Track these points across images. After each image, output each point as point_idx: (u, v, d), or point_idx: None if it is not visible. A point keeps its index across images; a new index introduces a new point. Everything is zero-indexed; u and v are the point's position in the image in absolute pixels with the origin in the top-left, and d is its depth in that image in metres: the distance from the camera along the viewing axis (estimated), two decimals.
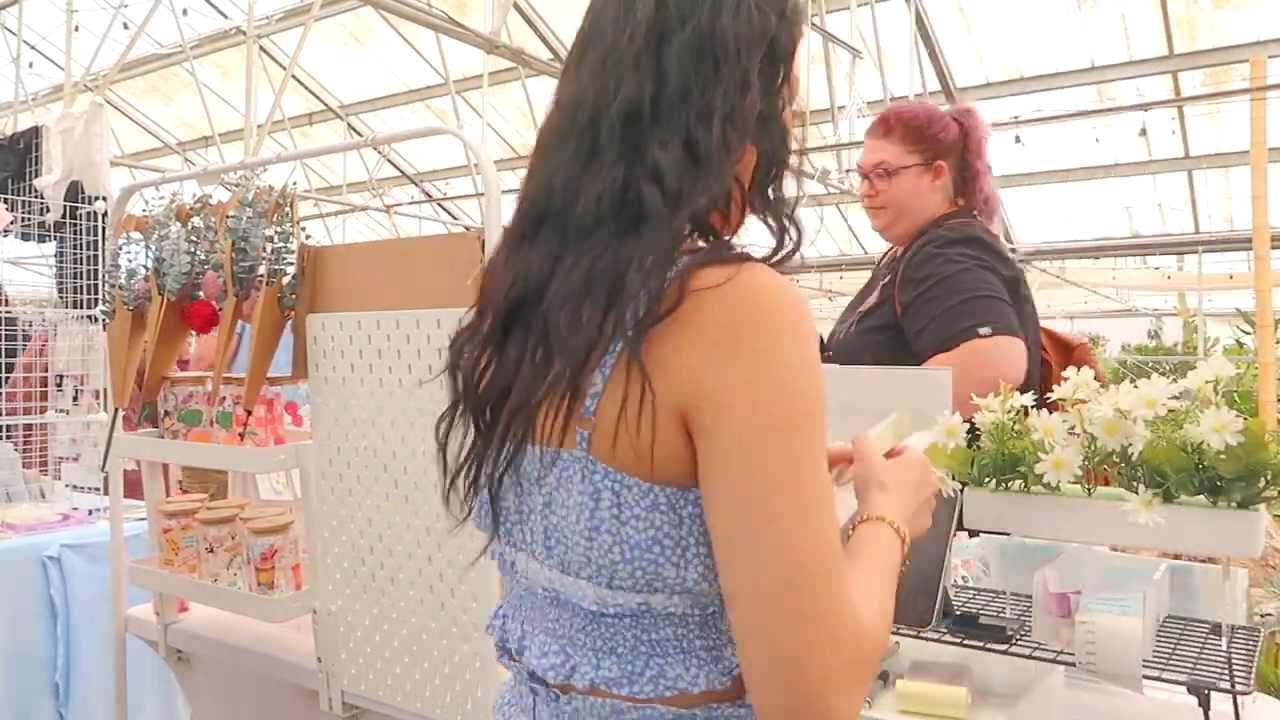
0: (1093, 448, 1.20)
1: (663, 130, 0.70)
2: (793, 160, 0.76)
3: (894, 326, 1.76)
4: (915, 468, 0.87)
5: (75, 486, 3.07)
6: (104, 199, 3.18)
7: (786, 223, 0.75)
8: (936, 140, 1.84)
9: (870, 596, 0.70)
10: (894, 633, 1.26)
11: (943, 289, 1.70)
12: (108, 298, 1.83)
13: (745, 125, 0.73)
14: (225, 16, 7.76)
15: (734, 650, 0.73)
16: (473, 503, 0.82)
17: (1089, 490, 1.21)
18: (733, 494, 0.65)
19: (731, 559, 0.66)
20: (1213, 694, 1.04)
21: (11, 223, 3.12)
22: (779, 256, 0.74)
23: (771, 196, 0.76)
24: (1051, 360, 1.84)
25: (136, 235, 1.80)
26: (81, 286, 3.10)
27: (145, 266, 1.78)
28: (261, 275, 1.59)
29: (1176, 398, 1.17)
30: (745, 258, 0.70)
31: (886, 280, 1.82)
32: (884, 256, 1.99)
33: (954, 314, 1.67)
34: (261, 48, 7.61)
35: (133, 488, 2.17)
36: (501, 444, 0.75)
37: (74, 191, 3.31)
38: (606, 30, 0.74)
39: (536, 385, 0.71)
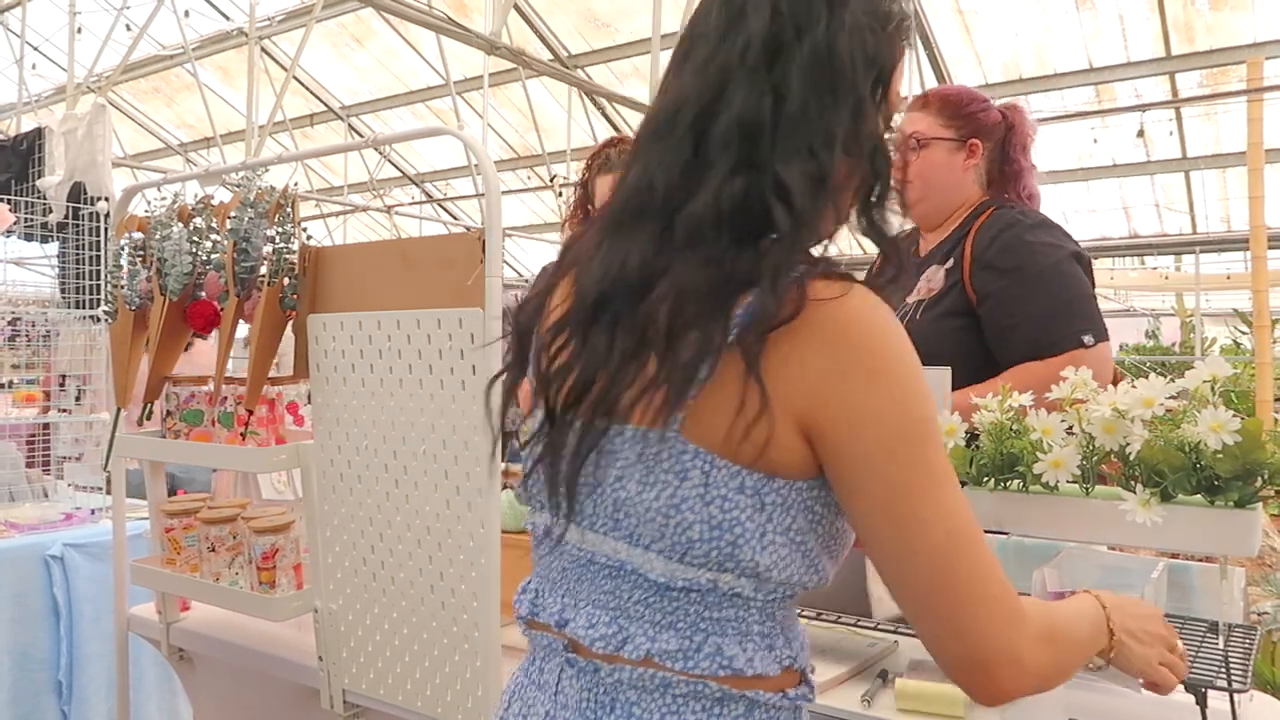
0: (1090, 447, 1.21)
1: (785, 147, 0.71)
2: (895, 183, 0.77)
3: (967, 314, 1.68)
4: (1152, 611, 0.92)
5: (78, 486, 3.08)
6: (106, 200, 3.19)
7: (890, 245, 0.77)
8: (974, 118, 1.79)
9: (1042, 616, 0.76)
10: (893, 631, 1.27)
11: (1038, 285, 1.61)
12: (110, 298, 1.84)
13: (861, 151, 0.74)
14: (227, 18, 7.77)
15: (786, 641, 0.77)
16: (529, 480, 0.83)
17: (1087, 490, 1.22)
18: (871, 500, 0.70)
19: (883, 556, 0.72)
20: (1210, 692, 1.04)
21: (14, 223, 3.13)
22: (888, 277, 0.75)
23: (876, 219, 0.76)
24: None
25: (139, 236, 1.81)
26: (84, 287, 3.10)
27: (146, 267, 1.79)
28: (263, 275, 1.60)
29: (1174, 397, 1.17)
30: (851, 276, 0.72)
31: (951, 265, 1.73)
32: (910, 245, 1.87)
33: (1055, 316, 1.60)
34: (263, 49, 7.62)
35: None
36: (586, 429, 0.75)
37: (76, 192, 3.32)
38: (710, 33, 0.75)
39: (627, 377, 0.72)
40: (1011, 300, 1.63)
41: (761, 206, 0.71)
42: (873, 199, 0.75)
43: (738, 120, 0.71)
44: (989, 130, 1.81)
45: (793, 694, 0.78)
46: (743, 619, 0.75)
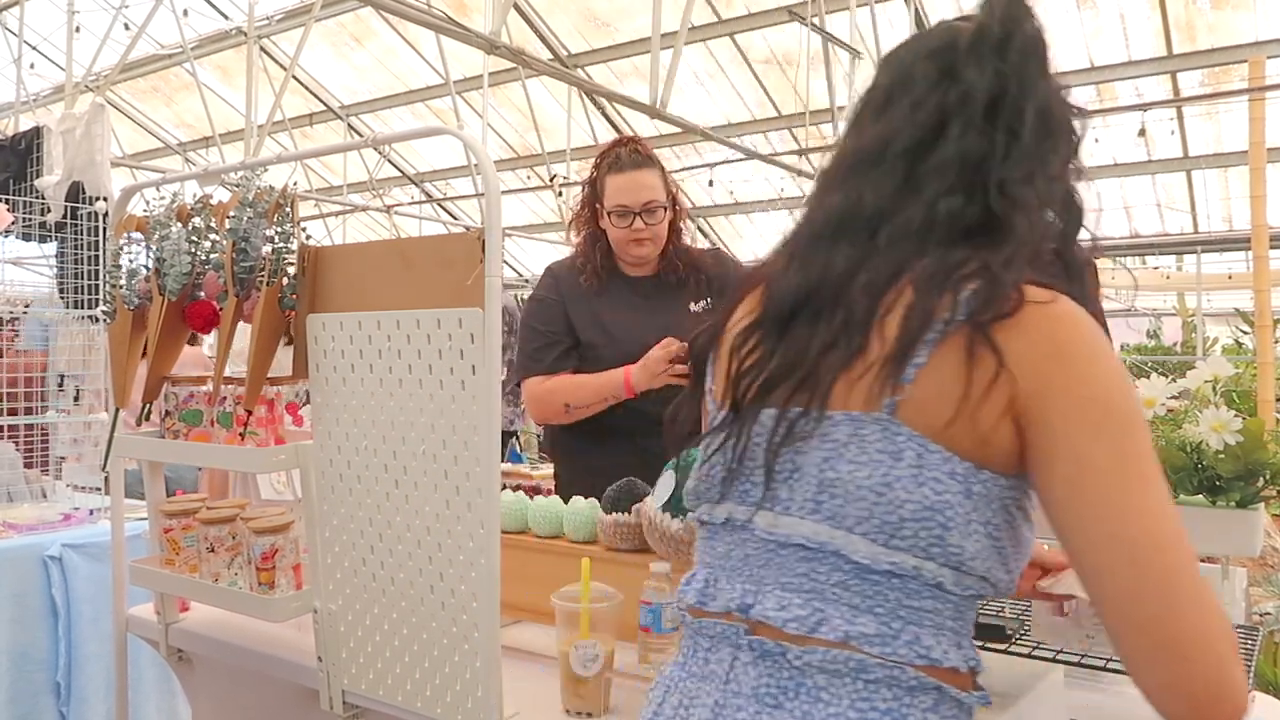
0: None
1: (1013, 174, 0.81)
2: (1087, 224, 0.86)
3: None
4: None
5: (76, 486, 3.07)
6: (105, 199, 3.19)
7: (1078, 274, 0.83)
8: None
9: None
10: None
11: None
12: (108, 298, 1.83)
13: (1061, 191, 0.84)
14: (226, 17, 7.76)
15: (970, 643, 0.80)
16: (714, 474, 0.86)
17: None
18: (1077, 483, 0.72)
19: (1086, 547, 0.71)
20: None
21: (13, 223, 3.12)
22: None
23: (1066, 251, 0.84)
24: None
25: (137, 235, 1.80)
26: (83, 287, 3.10)
27: (146, 267, 1.78)
28: (262, 275, 1.60)
29: (1176, 397, 1.17)
30: (1057, 288, 0.78)
31: None
32: None
33: None
34: (262, 48, 7.61)
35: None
36: (782, 417, 0.79)
37: (75, 192, 3.31)
38: (917, 84, 0.86)
39: (830, 365, 0.78)
40: None
41: (980, 218, 0.80)
42: (1067, 233, 0.84)
43: (960, 152, 0.81)
44: None
45: (976, 695, 0.79)
46: (939, 611, 0.77)
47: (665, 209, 2.07)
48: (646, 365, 1.93)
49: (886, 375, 0.75)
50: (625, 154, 2.07)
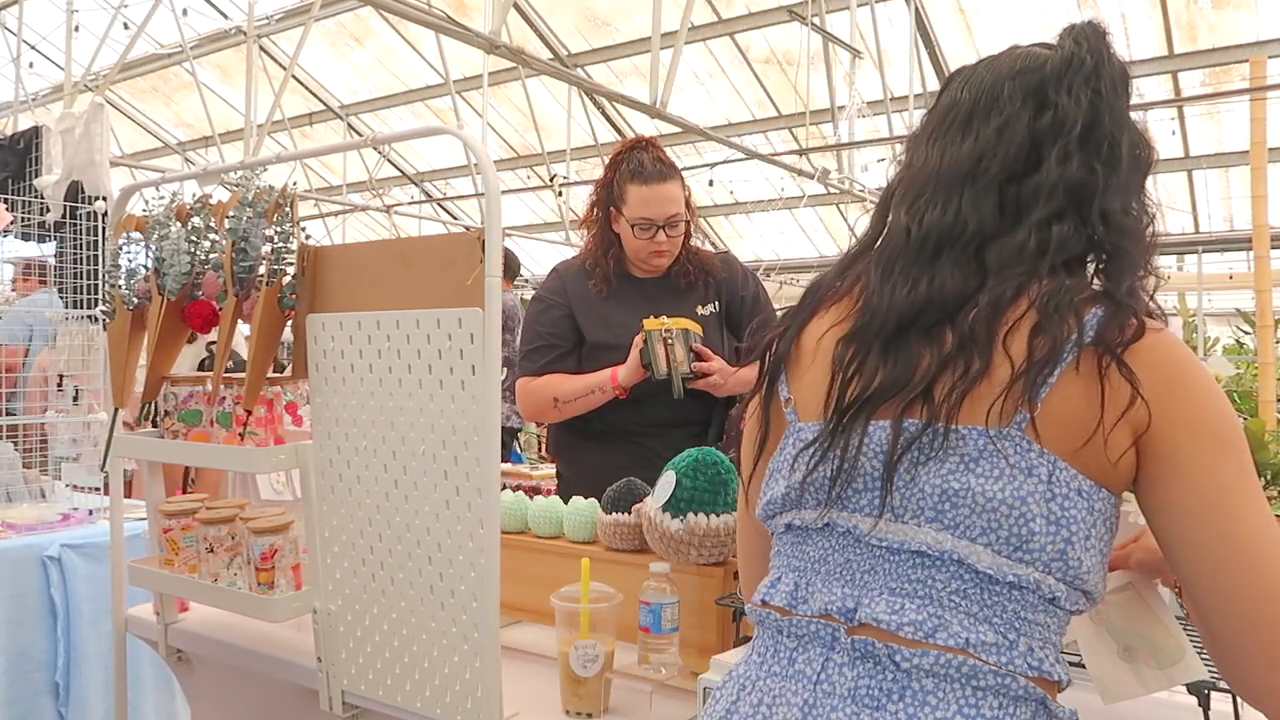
0: None
1: (1114, 205, 0.83)
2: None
3: None
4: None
5: (75, 486, 3.07)
6: (104, 199, 3.18)
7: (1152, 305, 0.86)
8: None
9: None
10: None
11: None
12: (108, 298, 1.83)
13: (1146, 223, 0.86)
14: (225, 16, 7.76)
15: (1063, 658, 0.81)
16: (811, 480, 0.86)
17: None
18: (1199, 496, 0.75)
19: (1202, 559, 0.75)
20: (1213, 694, 1.04)
21: (12, 223, 3.12)
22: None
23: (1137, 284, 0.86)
24: None
25: (136, 235, 1.80)
26: (82, 286, 3.10)
27: (145, 266, 1.78)
28: (261, 275, 1.59)
29: None
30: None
31: None
32: None
33: None
34: (261, 48, 7.61)
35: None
36: (898, 429, 0.80)
37: (74, 191, 3.31)
38: (1003, 103, 0.87)
39: (957, 376, 0.78)
40: None
41: (1086, 244, 0.83)
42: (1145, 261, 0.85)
43: (1064, 178, 0.83)
44: None
45: (1068, 710, 0.80)
46: (1048, 626, 0.79)
47: (686, 220, 2.05)
48: (632, 362, 1.95)
49: (1021, 393, 0.76)
50: (649, 162, 1.99)
